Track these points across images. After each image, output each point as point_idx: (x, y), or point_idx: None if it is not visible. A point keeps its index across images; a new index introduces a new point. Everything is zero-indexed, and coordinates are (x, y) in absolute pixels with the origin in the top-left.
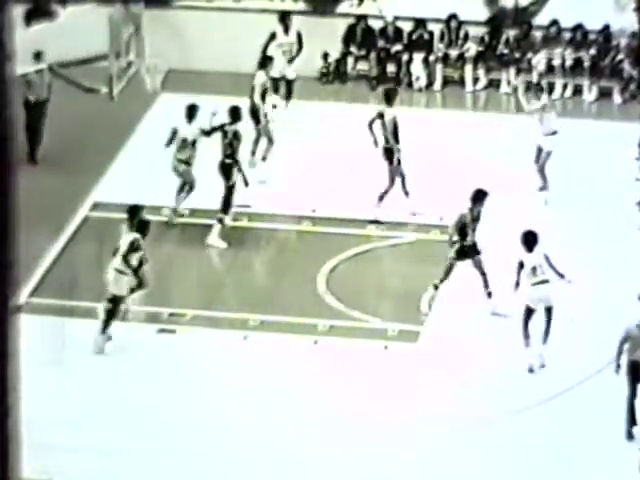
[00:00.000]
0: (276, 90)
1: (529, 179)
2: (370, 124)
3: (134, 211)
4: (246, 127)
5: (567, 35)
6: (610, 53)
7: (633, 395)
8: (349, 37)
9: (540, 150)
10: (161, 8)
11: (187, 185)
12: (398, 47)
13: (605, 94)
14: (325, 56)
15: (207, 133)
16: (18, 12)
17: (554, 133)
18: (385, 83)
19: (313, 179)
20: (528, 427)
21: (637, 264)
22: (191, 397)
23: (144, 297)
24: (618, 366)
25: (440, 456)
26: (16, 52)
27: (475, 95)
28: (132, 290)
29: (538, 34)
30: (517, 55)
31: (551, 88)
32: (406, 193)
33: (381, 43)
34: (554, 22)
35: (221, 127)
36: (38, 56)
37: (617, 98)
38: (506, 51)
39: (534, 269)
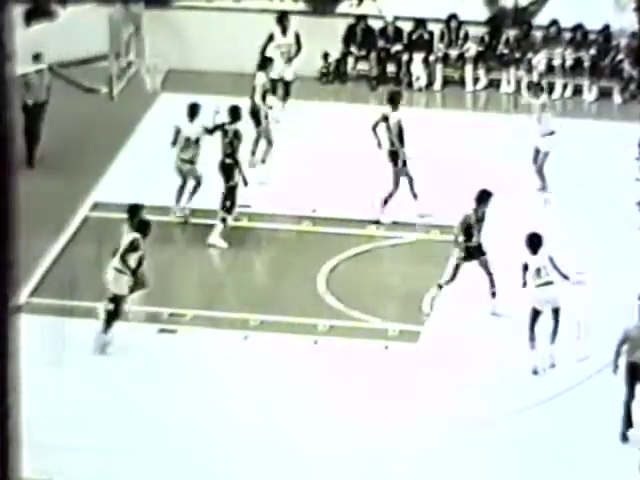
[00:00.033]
0: (274, 91)
1: (529, 179)
2: (374, 127)
3: (134, 211)
4: (246, 127)
5: (567, 35)
6: (610, 53)
7: (630, 397)
8: (349, 37)
9: (538, 151)
10: (161, 8)
11: (194, 183)
12: (398, 47)
13: (605, 94)
14: (325, 56)
15: (210, 131)
16: (18, 12)
17: (552, 133)
18: (385, 83)
19: (313, 179)
20: (528, 427)
21: (637, 264)
22: (191, 397)
23: (144, 297)
24: (616, 367)
25: (440, 456)
26: (16, 52)
27: (475, 95)
28: (132, 290)
29: (538, 34)
30: (517, 55)
31: (551, 88)
32: (414, 195)
33: (381, 43)
34: (554, 22)
35: (221, 126)
36: (37, 58)
37: (617, 98)
38: (506, 51)
39: (538, 271)
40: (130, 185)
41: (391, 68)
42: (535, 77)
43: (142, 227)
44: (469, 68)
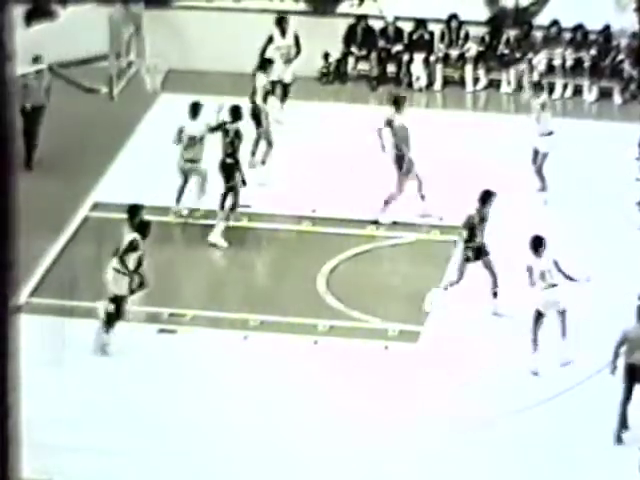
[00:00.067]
0: (273, 93)
1: (529, 179)
2: (379, 131)
3: (134, 211)
4: (246, 127)
5: (567, 35)
6: (610, 53)
7: (627, 399)
8: (349, 37)
9: (537, 152)
10: (161, 8)
11: (200, 181)
12: (399, 47)
13: (605, 94)
14: (326, 56)
15: (212, 130)
16: (18, 12)
17: (550, 134)
18: (385, 83)
19: (313, 179)
20: (528, 427)
21: (637, 264)
22: (191, 397)
23: (144, 297)
24: (614, 368)
25: (440, 456)
26: (16, 52)
27: (475, 95)
28: (132, 290)
29: (538, 34)
30: (517, 55)
31: (551, 88)
32: (422, 197)
33: (382, 43)
34: (554, 22)
35: (222, 125)
36: (36, 60)
37: (617, 98)
38: (506, 51)
39: (543, 274)
40: (130, 185)
41: (391, 68)
42: (535, 77)
43: (142, 228)
44: (469, 68)
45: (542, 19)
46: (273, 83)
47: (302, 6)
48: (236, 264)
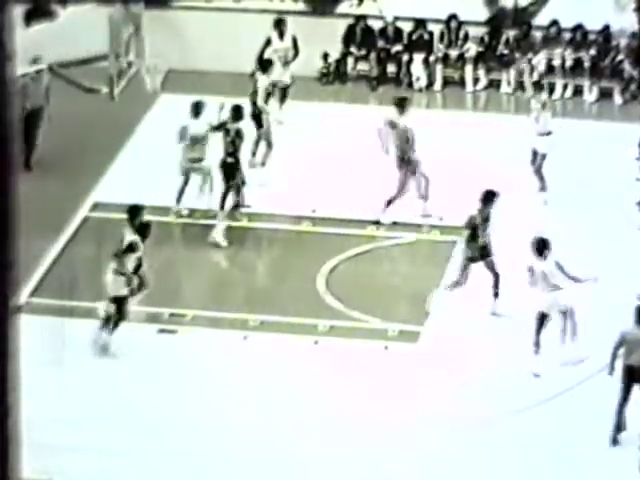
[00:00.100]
0: (272, 94)
1: (529, 179)
2: (379, 131)
3: (135, 212)
4: (246, 128)
5: (567, 35)
6: (610, 53)
7: (624, 400)
8: (349, 37)
9: (535, 153)
10: (161, 8)
11: (205, 180)
12: (398, 47)
13: (605, 94)
14: (325, 56)
15: (214, 129)
16: (18, 12)
17: (549, 134)
18: (385, 83)
19: (313, 179)
20: (528, 427)
21: (637, 264)
22: (191, 397)
23: (144, 297)
24: (612, 369)
25: (440, 456)
26: (16, 52)
27: (475, 95)
28: (132, 292)
29: (538, 34)
30: (517, 55)
31: (551, 88)
32: (425, 197)
33: (381, 43)
34: (554, 22)
35: (224, 125)
36: (35, 62)
37: (617, 99)
38: (506, 51)
39: (545, 276)
40: (130, 185)
41: (391, 68)
42: (535, 77)
43: (142, 229)
44: (469, 68)
45: (541, 19)
46: (272, 85)
47: (301, 6)
48: (236, 264)
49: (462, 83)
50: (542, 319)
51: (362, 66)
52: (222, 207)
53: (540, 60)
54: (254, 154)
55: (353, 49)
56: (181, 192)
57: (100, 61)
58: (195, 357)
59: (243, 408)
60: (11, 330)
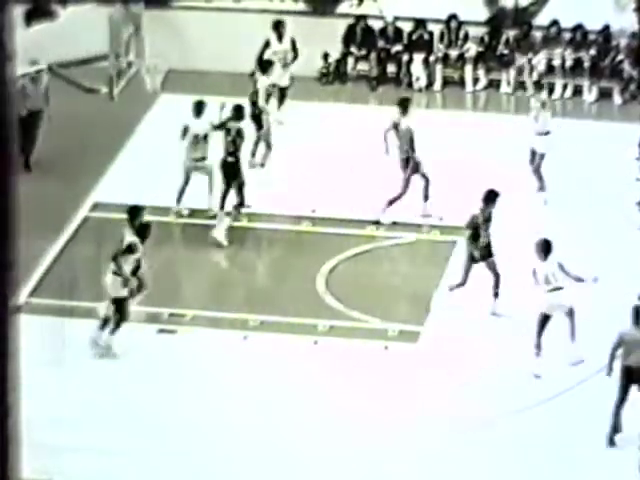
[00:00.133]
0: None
1: (529, 179)
2: (385, 134)
3: (135, 212)
4: (246, 128)
5: (567, 35)
6: (610, 53)
7: (622, 401)
8: (349, 37)
9: (534, 153)
10: (161, 8)
11: (208, 179)
12: (398, 47)
13: (605, 94)
14: (325, 56)
15: (216, 128)
16: (18, 12)
17: (547, 133)
18: (385, 83)
19: (313, 179)
20: (528, 427)
21: (637, 264)
22: (191, 397)
23: (144, 297)
24: (610, 370)
25: (440, 456)
26: (16, 52)
27: (475, 95)
28: (132, 293)
29: (538, 34)
30: (517, 55)
31: (551, 88)
32: (425, 197)
33: (381, 43)
34: (554, 22)
35: (225, 124)
36: (34, 64)
37: (617, 99)
38: (506, 51)
39: (547, 277)
40: (130, 185)
41: (391, 68)
42: (535, 77)
43: (142, 230)
44: (469, 68)
45: (541, 19)
46: (272, 86)
47: (301, 6)
48: (236, 264)
49: (462, 83)
50: (544, 321)
51: (362, 66)
52: (222, 206)
53: (540, 60)
54: (254, 155)
55: (353, 49)
56: (181, 192)
57: (100, 61)
58: (195, 357)
59: (243, 408)
60: (11, 330)
